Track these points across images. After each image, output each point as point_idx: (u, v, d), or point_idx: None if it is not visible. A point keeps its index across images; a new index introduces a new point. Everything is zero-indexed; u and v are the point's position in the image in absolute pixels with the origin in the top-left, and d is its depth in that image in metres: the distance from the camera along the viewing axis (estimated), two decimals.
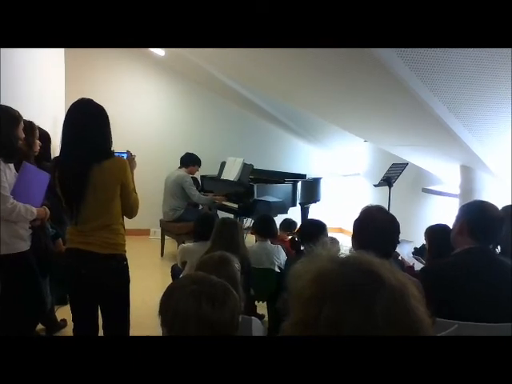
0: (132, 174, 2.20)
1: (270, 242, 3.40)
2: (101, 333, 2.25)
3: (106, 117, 2.11)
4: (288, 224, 4.51)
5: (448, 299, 1.68)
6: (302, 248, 3.08)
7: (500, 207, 1.95)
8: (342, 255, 0.73)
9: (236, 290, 1.63)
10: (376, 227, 1.80)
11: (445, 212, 4.49)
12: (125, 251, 2.20)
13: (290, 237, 4.28)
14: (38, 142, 2.89)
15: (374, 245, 1.52)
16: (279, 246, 3.43)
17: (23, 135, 2.46)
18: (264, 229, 3.42)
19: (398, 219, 1.88)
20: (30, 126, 2.73)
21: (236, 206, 5.18)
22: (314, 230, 2.88)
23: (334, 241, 3.21)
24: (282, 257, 3.40)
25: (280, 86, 4.71)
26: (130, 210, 2.20)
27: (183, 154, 5.57)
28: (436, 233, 2.87)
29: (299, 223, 5.54)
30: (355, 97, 3.64)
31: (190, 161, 5.49)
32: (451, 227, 2.14)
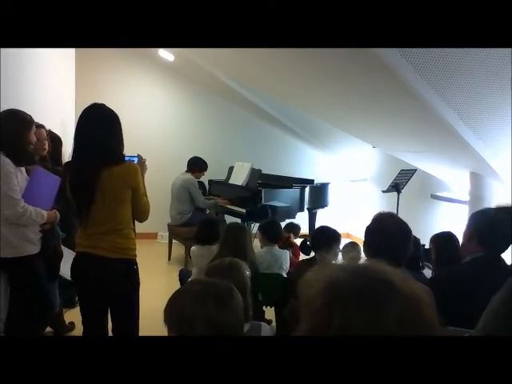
0: (143, 177, 2.21)
1: (277, 247, 3.40)
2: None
3: (118, 121, 2.12)
4: (292, 226, 4.56)
5: (458, 307, 1.67)
6: (312, 253, 3.06)
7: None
8: (353, 264, 0.73)
9: (245, 296, 1.64)
10: (387, 234, 1.79)
11: (454, 219, 4.46)
12: (135, 255, 2.20)
13: (300, 239, 4.28)
14: (45, 142, 2.89)
15: (385, 252, 1.52)
16: (287, 251, 3.43)
17: (35, 139, 2.49)
18: (271, 233, 3.42)
19: None
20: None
21: (244, 210, 5.18)
22: (328, 239, 2.84)
23: (355, 246, 3.19)
24: (288, 262, 3.40)
25: (286, 91, 4.72)
26: (141, 214, 2.20)
27: (190, 157, 5.59)
28: (441, 240, 2.86)
29: (304, 228, 5.57)
30: (364, 103, 3.63)
31: (196, 165, 5.50)
32: (457, 234, 2.13)
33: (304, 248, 3.23)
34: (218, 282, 1.28)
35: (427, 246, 3.05)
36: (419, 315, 0.66)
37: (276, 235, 3.45)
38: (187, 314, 1.16)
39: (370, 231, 1.86)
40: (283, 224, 4.42)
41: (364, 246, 1.88)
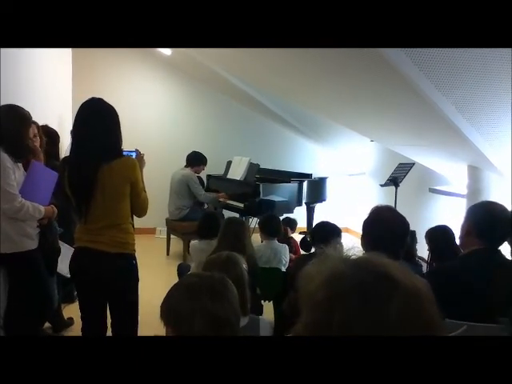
0: (141, 172, 2.21)
1: (276, 241, 3.41)
2: (109, 331, 2.26)
3: (117, 116, 2.12)
4: (288, 220, 4.60)
5: (456, 301, 1.68)
6: (312, 249, 3.05)
7: (508, 207, 1.94)
8: (353, 256, 0.73)
9: (243, 290, 1.64)
10: (386, 227, 1.79)
11: (452, 212, 4.47)
12: (134, 250, 2.21)
13: (297, 234, 4.31)
14: (34, 139, 2.87)
15: (383, 245, 1.52)
16: (286, 246, 3.44)
17: (32, 135, 2.48)
18: (270, 228, 3.43)
19: None
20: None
21: (242, 205, 5.18)
22: (328, 234, 2.83)
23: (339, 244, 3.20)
24: (288, 256, 3.41)
25: (286, 86, 4.70)
26: (140, 208, 2.21)
27: (189, 152, 5.57)
28: (436, 234, 2.87)
29: (302, 223, 5.59)
30: (362, 97, 3.63)
31: (196, 160, 5.49)
32: (456, 227, 2.13)
33: (304, 245, 3.23)
34: (212, 274, 1.29)
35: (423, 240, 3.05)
36: (420, 308, 0.66)
37: (275, 229, 3.46)
38: (183, 308, 1.17)
39: (368, 224, 1.86)
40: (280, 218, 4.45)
41: (362, 239, 1.88)
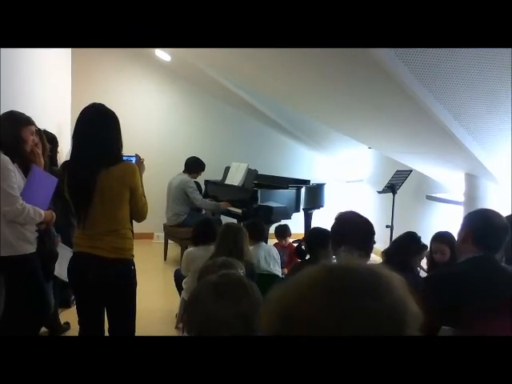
0: (141, 177, 2.21)
1: (264, 243, 3.54)
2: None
3: (117, 121, 2.13)
4: (282, 230, 4.60)
5: (453, 307, 1.68)
6: (307, 256, 3.09)
7: (504, 215, 1.95)
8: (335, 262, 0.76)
9: None
10: (356, 230, 1.92)
11: (449, 219, 4.48)
12: (132, 256, 2.20)
13: (295, 244, 4.35)
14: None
15: (357, 246, 1.62)
16: (272, 245, 3.55)
17: (31, 139, 2.49)
18: (256, 232, 3.49)
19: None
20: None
21: (240, 211, 5.19)
22: (321, 239, 2.85)
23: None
24: (277, 253, 3.56)
25: (284, 92, 4.73)
26: (140, 214, 2.21)
27: (187, 158, 5.59)
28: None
29: (299, 229, 5.61)
30: (359, 104, 3.65)
31: (194, 165, 5.51)
32: (453, 235, 2.15)
33: (300, 253, 3.27)
34: (231, 274, 1.30)
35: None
36: (394, 306, 0.67)
37: (261, 233, 3.57)
38: (190, 300, 1.18)
39: (337, 229, 1.99)
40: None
41: (333, 244, 1.97)
